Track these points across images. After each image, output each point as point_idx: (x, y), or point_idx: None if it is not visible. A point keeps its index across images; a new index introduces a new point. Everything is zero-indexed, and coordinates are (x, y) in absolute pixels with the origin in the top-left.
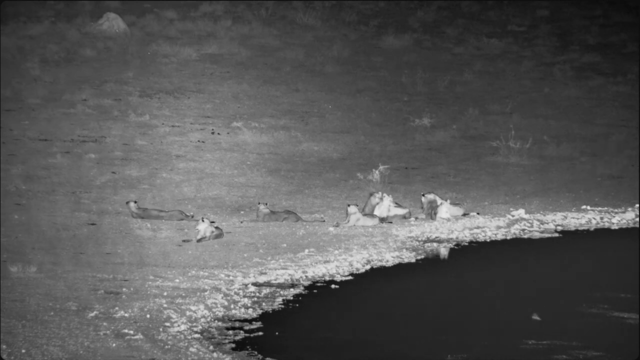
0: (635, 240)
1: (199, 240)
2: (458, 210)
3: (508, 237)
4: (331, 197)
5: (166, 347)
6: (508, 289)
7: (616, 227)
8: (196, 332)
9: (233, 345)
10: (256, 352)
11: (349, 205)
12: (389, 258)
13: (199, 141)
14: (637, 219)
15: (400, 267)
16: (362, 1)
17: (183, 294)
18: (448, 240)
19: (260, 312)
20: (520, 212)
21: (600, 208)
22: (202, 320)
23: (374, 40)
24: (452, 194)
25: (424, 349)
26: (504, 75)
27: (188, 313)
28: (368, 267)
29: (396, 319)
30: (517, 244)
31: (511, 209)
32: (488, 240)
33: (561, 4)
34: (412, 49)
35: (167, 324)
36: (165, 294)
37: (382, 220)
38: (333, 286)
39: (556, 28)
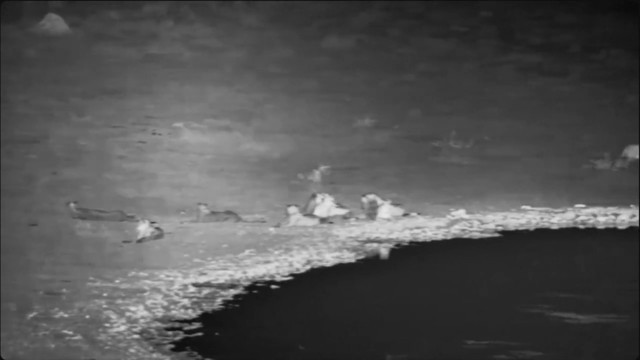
0: (574, 240)
1: (139, 241)
2: (398, 211)
3: (448, 237)
4: (272, 197)
5: (105, 347)
6: (448, 289)
7: (556, 227)
8: (136, 333)
9: (172, 346)
10: (196, 353)
11: (289, 206)
12: (329, 258)
13: (140, 142)
14: (577, 219)
15: (340, 267)
16: (305, 2)
17: (123, 295)
18: (388, 241)
19: (200, 312)
20: (461, 212)
21: (540, 208)
22: (142, 320)
23: (317, 40)
24: (393, 194)
25: (364, 349)
26: (448, 76)
27: (127, 314)
28: (308, 267)
29: (336, 319)
30: (457, 244)
31: (452, 209)
32: (428, 240)
33: (505, 4)
34: (355, 50)
35: (107, 324)
36: (105, 294)
37: (322, 220)
38: (273, 286)
39: (500, 29)
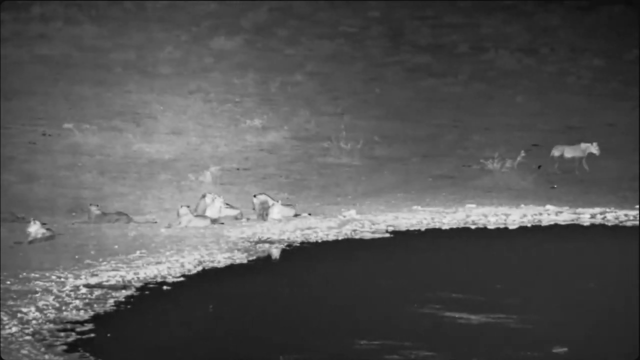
0: (465, 240)
1: (30, 242)
2: (290, 211)
3: (340, 238)
4: (163, 198)
5: None
6: (340, 290)
7: (447, 227)
8: (28, 334)
9: (65, 347)
10: (88, 354)
11: (180, 207)
12: (221, 259)
13: (30, 142)
14: (467, 219)
15: (232, 268)
16: (193, 2)
17: (14, 296)
18: (280, 241)
19: (92, 313)
20: (352, 213)
21: (431, 208)
22: (34, 322)
23: (206, 41)
24: (284, 195)
25: (257, 350)
26: (336, 76)
27: (19, 315)
28: (200, 268)
29: (228, 320)
30: (348, 244)
31: (343, 210)
32: (320, 240)
33: (392, 4)
34: (243, 50)
35: None
36: None
37: (213, 221)
38: (165, 287)
39: (387, 29)
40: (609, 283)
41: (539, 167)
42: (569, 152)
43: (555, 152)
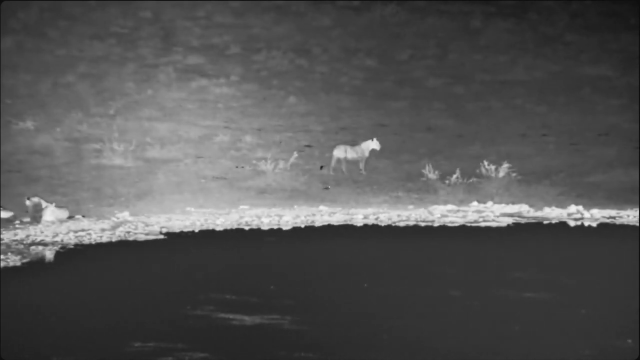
0: (239, 241)
1: None
2: (63, 213)
3: (113, 240)
4: None
5: None
6: (114, 292)
7: (221, 229)
8: None
9: None
10: None
11: None
12: None
13: None
14: (241, 220)
15: (5, 271)
16: None
17: None
18: (53, 243)
19: None
20: (125, 215)
21: (204, 210)
22: None
23: None
24: (58, 197)
25: (29, 352)
26: (107, 78)
27: None
28: None
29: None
30: (122, 246)
31: (116, 212)
32: (93, 242)
33: (163, 4)
34: (13, 51)
35: None
36: None
37: None
38: None
39: (159, 29)
40: (386, 282)
41: (322, 167)
42: (352, 153)
43: (340, 154)
